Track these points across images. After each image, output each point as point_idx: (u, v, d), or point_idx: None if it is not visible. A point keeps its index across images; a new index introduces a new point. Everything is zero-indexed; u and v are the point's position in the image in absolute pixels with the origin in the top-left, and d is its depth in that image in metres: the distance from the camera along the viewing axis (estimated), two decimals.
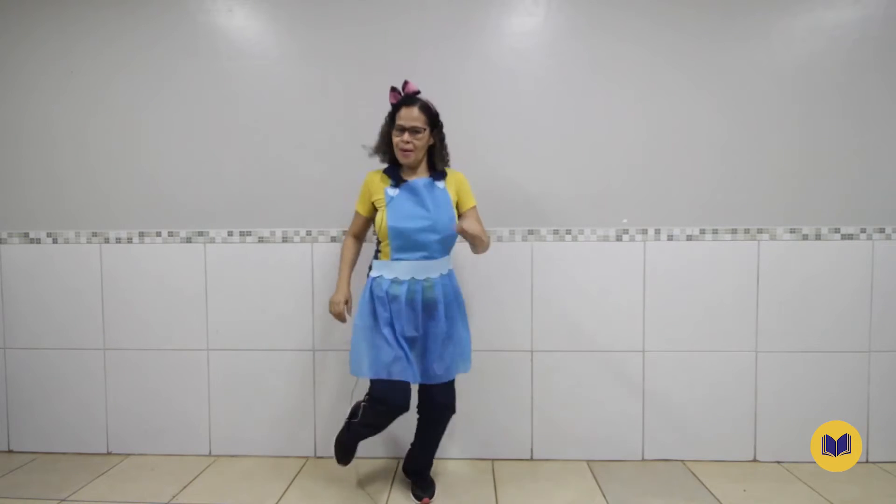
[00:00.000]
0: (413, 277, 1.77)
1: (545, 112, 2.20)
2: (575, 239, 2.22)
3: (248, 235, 2.27)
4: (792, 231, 2.19)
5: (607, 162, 2.20)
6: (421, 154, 1.81)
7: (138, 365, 2.30)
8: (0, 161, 2.31)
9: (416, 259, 1.77)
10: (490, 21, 2.20)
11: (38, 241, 2.31)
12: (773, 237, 2.19)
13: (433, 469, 2.04)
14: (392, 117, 1.80)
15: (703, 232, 2.20)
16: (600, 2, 2.18)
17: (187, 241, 2.28)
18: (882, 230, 2.18)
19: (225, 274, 2.28)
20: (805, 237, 2.19)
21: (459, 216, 1.85)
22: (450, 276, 1.86)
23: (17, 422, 2.36)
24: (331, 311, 1.87)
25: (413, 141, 1.75)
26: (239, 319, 2.28)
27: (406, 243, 1.77)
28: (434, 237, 1.77)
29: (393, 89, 1.80)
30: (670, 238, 2.21)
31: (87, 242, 2.30)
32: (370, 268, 1.86)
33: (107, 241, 2.30)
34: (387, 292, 1.76)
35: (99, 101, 2.27)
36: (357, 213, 1.90)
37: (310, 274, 2.26)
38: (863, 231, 2.18)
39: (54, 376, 2.33)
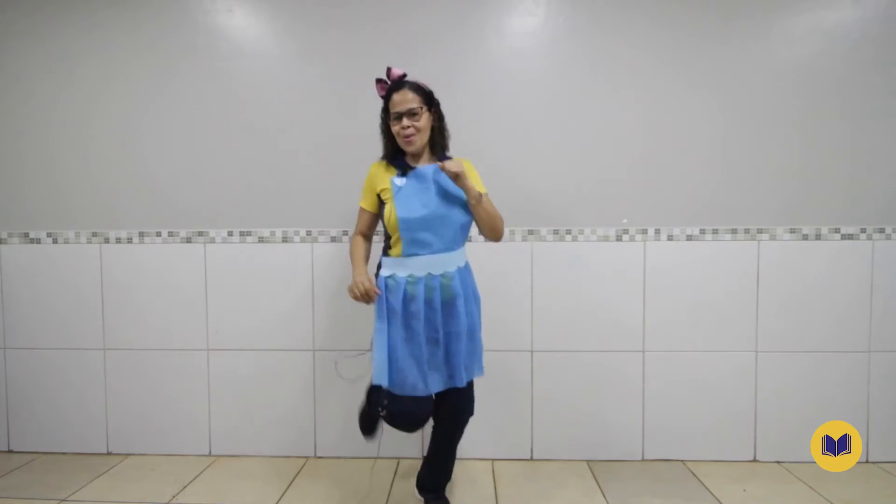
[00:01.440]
0: (430, 273, 1.64)
1: (545, 112, 2.20)
2: (575, 239, 2.22)
3: (248, 235, 2.27)
4: (792, 231, 2.19)
5: (607, 162, 2.20)
6: (425, 137, 1.70)
7: (138, 365, 2.30)
8: (0, 161, 2.31)
9: (431, 253, 1.64)
10: (490, 21, 2.20)
11: (38, 241, 2.31)
12: (773, 237, 2.19)
13: None
14: (386, 109, 1.71)
15: (703, 232, 2.20)
16: (600, 2, 2.18)
17: (187, 241, 2.28)
18: (882, 230, 2.18)
19: (225, 274, 2.28)
20: (805, 237, 2.19)
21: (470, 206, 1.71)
22: (467, 270, 1.74)
23: (17, 422, 2.36)
24: (355, 295, 1.64)
25: (413, 124, 1.65)
26: (239, 319, 2.28)
27: (418, 235, 1.63)
28: (448, 226, 1.66)
29: (379, 80, 1.72)
30: (670, 238, 2.21)
31: (87, 242, 2.30)
32: (379, 266, 1.74)
33: (107, 241, 2.30)
34: (405, 292, 1.63)
35: (99, 101, 2.27)
36: (362, 210, 1.78)
37: (310, 274, 2.26)
38: (863, 231, 2.18)
39: (54, 376, 2.33)
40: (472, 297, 1.73)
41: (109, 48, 2.26)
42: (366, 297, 1.64)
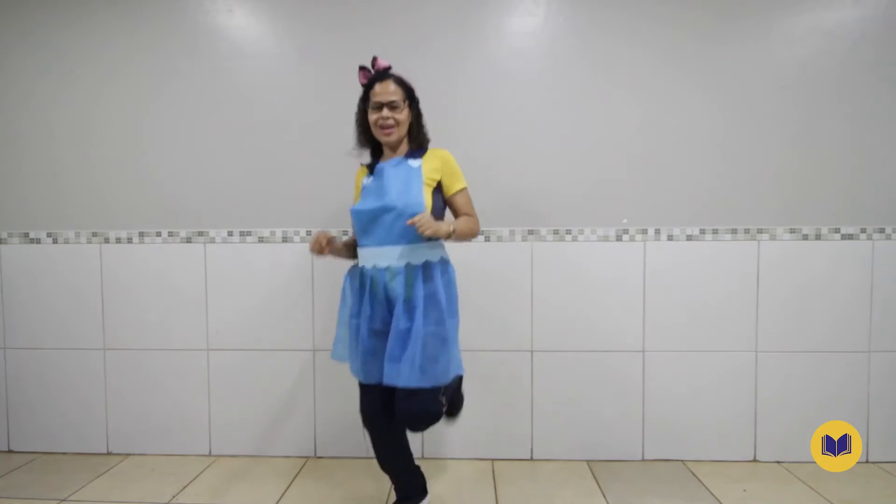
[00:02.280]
0: (375, 265, 1.63)
1: (545, 112, 2.20)
2: (575, 239, 2.22)
3: (248, 235, 2.27)
4: (792, 231, 2.19)
5: (607, 162, 2.20)
6: (403, 131, 1.67)
7: (138, 365, 2.30)
8: (0, 161, 2.31)
9: (375, 245, 1.62)
10: (490, 21, 2.20)
11: (38, 241, 2.31)
12: (773, 237, 2.19)
13: (430, 469, 2.00)
14: (365, 98, 1.68)
15: (703, 232, 2.20)
16: (600, 2, 2.18)
17: (187, 241, 2.28)
18: (882, 230, 2.18)
19: (225, 274, 2.28)
20: (805, 237, 2.19)
21: (445, 198, 1.69)
22: (426, 268, 1.61)
23: (17, 422, 2.36)
24: (310, 243, 1.65)
25: (393, 116, 1.63)
26: (239, 319, 2.28)
27: (363, 228, 1.64)
28: (391, 220, 1.59)
29: (362, 68, 1.69)
30: (670, 238, 2.21)
31: (87, 242, 2.30)
32: None
33: (107, 241, 2.30)
34: (360, 281, 1.66)
35: (99, 101, 2.27)
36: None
37: (310, 274, 2.26)
38: (863, 231, 2.18)
39: (55, 376, 2.33)
40: (427, 302, 1.57)
41: (109, 48, 2.26)
42: (316, 245, 1.63)
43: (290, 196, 2.26)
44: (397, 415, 1.59)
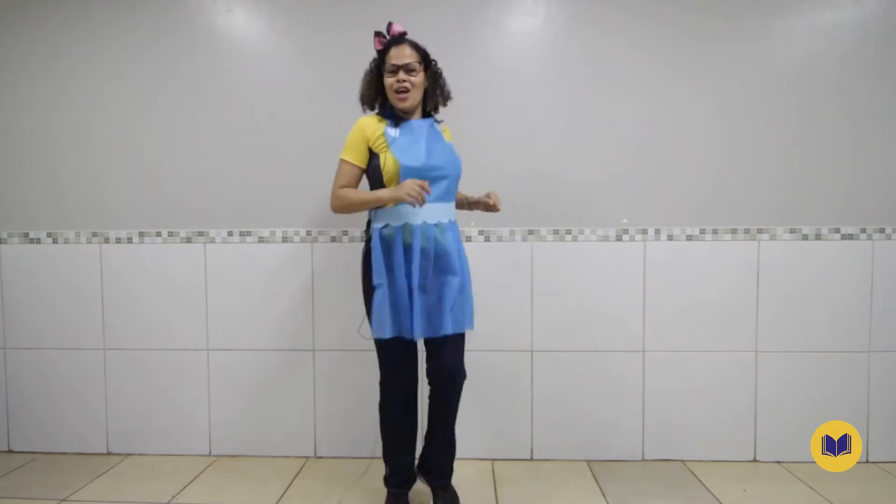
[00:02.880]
0: (424, 221, 1.63)
1: (545, 112, 2.20)
2: (575, 239, 2.22)
3: (248, 235, 2.27)
4: (792, 231, 2.19)
5: (607, 161, 2.20)
6: (418, 96, 1.69)
7: (138, 365, 2.30)
8: (0, 161, 2.31)
9: (428, 201, 1.61)
10: (490, 21, 2.20)
11: (38, 241, 2.31)
12: (773, 237, 2.19)
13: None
14: (380, 61, 1.70)
15: (703, 232, 2.20)
16: (600, 2, 2.18)
17: (187, 241, 2.28)
18: (882, 230, 2.18)
19: (225, 274, 2.28)
20: (805, 237, 2.19)
21: None
22: (456, 225, 1.75)
23: (17, 422, 2.36)
24: (412, 196, 1.53)
25: (409, 79, 1.65)
26: (239, 319, 2.28)
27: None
28: (445, 177, 1.67)
29: (377, 34, 1.71)
30: (670, 238, 2.21)
31: (87, 242, 2.30)
32: (369, 222, 1.74)
33: (107, 241, 2.30)
34: (401, 242, 1.63)
35: (99, 101, 2.27)
36: (345, 164, 1.70)
37: (310, 274, 2.26)
38: (863, 231, 2.18)
39: (54, 376, 2.33)
40: (462, 252, 1.73)
41: (109, 48, 2.26)
42: (422, 192, 1.55)
43: (290, 196, 2.25)
44: (443, 374, 1.71)
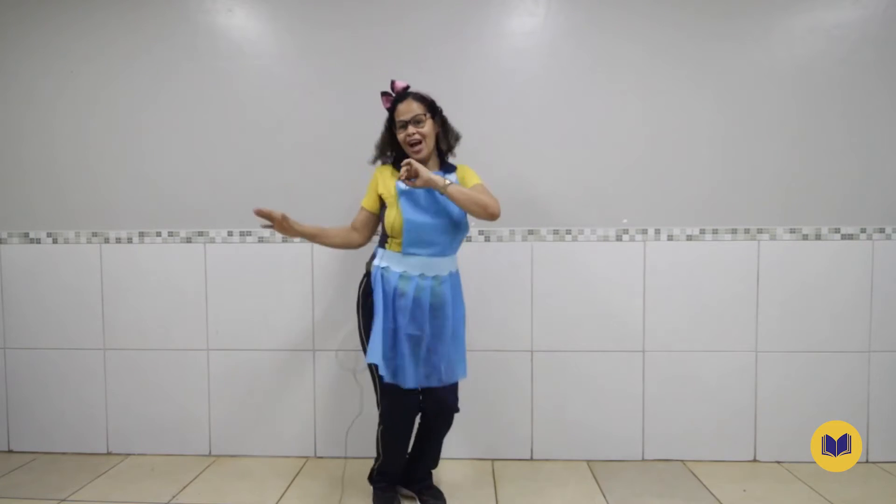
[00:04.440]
0: (423, 274, 1.72)
1: (545, 112, 2.20)
2: (575, 239, 2.22)
3: (248, 235, 2.27)
4: (792, 231, 2.19)
5: (607, 162, 2.20)
6: (431, 144, 1.77)
7: (138, 365, 2.30)
8: (0, 161, 2.31)
9: (428, 255, 1.72)
10: (490, 21, 2.20)
11: (38, 241, 2.31)
12: (773, 237, 2.19)
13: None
14: (391, 120, 1.80)
15: (703, 232, 2.20)
16: (600, 2, 2.18)
17: (187, 241, 2.28)
18: (882, 230, 2.18)
19: (225, 274, 2.28)
20: (805, 237, 2.19)
21: None
22: (457, 276, 1.83)
23: (17, 422, 2.36)
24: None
25: (418, 131, 1.73)
26: (239, 319, 2.28)
27: (419, 238, 1.71)
28: (447, 233, 1.74)
29: (384, 94, 1.81)
30: (670, 238, 2.21)
31: (87, 242, 2.30)
32: (373, 257, 1.79)
33: (107, 241, 2.30)
34: (395, 288, 1.70)
35: (99, 101, 2.27)
36: (361, 209, 1.84)
37: (310, 274, 2.26)
38: (863, 231, 2.18)
39: (54, 376, 2.33)
40: (459, 303, 1.81)
41: (109, 48, 2.26)
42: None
43: (290, 196, 2.25)
44: (440, 412, 1.82)
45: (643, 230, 2.21)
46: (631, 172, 2.20)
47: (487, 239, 2.23)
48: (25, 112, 2.29)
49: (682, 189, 2.20)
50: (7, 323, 2.33)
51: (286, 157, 2.25)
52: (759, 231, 2.19)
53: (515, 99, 2.20)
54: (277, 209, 2.24)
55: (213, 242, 2.28)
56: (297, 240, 2.25)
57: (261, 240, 2.27)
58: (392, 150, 1.83)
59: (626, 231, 2.21)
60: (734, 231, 2.20)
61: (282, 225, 1.69)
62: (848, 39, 2.14)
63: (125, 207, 2.29)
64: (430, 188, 1.68)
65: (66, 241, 2.31)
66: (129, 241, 2.29)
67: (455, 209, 1.74)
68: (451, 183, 1.66)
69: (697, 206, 2.20)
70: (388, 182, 1.78)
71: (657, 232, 2.21)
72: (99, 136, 2.28)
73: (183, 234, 2.28)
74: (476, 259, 2.19)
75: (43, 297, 2.31)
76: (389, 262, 1.74)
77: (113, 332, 2.31)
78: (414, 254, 1.71)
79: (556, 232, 2.22)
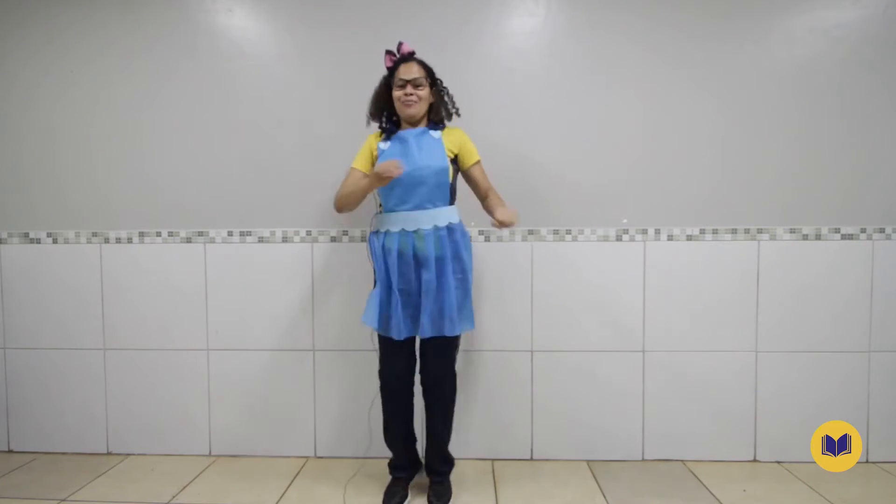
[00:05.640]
0: (403, 229, 1.77)
1: (545, 112, 2.20)
2: (575, 239, 2.22)
3: (248, 235, 2.27)
4: (792, 231, 2.19)
5: (607, 162, 2.20)
6: (424, 107, 1.83)
7: (138, 365, 2.30)
8: (0, 161, 2.31)
9: (406, 210, 1.77)
10: (490, 21, 2.20)
11: (38, 241, 2.31)
12: (773, 237, 2.19)
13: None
14: (389, 77, 1.84)
15: (703, 232, 2.20)
16: (600, 2, 2.18)
17: (187, 241, 2.28)
18: (882, 230, 2.18)
19: (225, 274, 2.28)
20: (805, 237, 2.19)
21: (462, 171, 1.89)
22: (450, 230, 1.79)
23: (17, 422, 2.36)
24: (384, 175, 1.67)
25: (416, 92, 1.78)
26: (239, 319, 2.28)
27: (393, 193, 1.77)
28: (421, 185, 1.76)
29: (388, 52, 1.85)
30: (670, 238, 2.21)
31: (87, 242, 2.30)
32: (371, 223, 1.91)
33: (107, 241, 2.30)
34: (383, 246, 1.79)
35: (99, 101, 2.27)
36: (352, 169, 1.87)
37: (310, 274, 2.26)
38: (863, 231, 2.18)
39: (54, 376, 2.32)
40: (453, 258, 1.79)
41: (109, 48, 2.26)
42: (390, 169, 1.68)
43: (290, 196, 2.25)
44: (428, 377, 1.85)
45: (643, 230, 2.21)
46: (631, 172, 2.20)
47: (487, 239, 2.23)
48: (25, 112, 2.29)
49: (682, 189, 2.20)
50: (7, 323, 2.33)
51: (286, 157, 2.25)
52: (759, 231, 2.19)
53: (515, 99, 2.20)
54: (277, 209, 2.27)
55: (213, 242, 2.28)
56: (296, 239, 2.26)
57: (261, 240, 2.27)
58: (385, 106, 1.87)
59: (626, 231, 2.21)
60: (734, 231, 2.20)
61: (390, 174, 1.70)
62: (848, 39, 2.14)
63: (125, 207, 2.29)
64: (405, 143, 1.79)
65: (66, 241, 2.31)
66: (129, 241, 2.29)
67: (430, 164, 1.77)
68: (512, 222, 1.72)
69: (697, 206, 2.20)
70: (373, 144, 1.87)
71: (657, 232, 2.21)
72: (99, 136, 2.28)
73: (183, 234, 2.28)
74: (476, 259, 2.18)
75: (43, 297, 2.31)
76: (379, 224, 1.85)
77: (113, 332, 2.31)
78: (393, 210, 1.79)
79: (556, 232, 2.22)
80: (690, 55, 2.17)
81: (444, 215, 1.80)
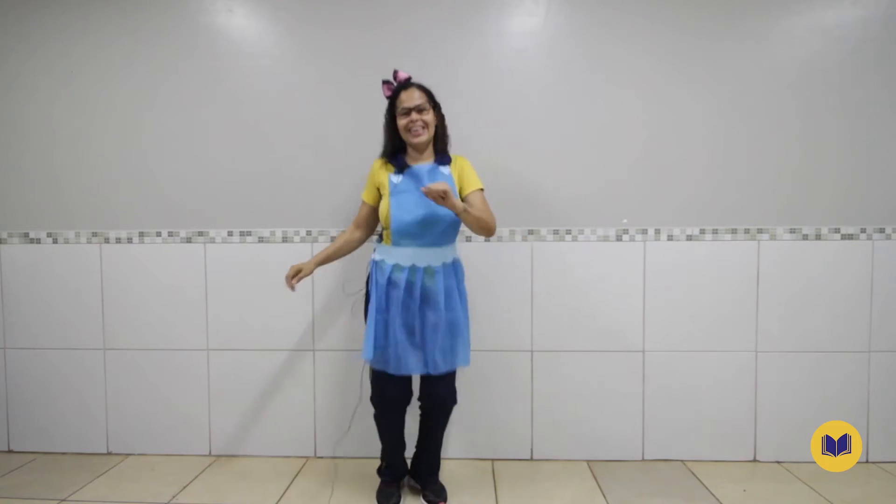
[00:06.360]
0: (414, 265, 1.75)
1: (545, 112, 2.20)
2: (575, 239, 2.22)
3: (248, 235, 2.27)
4: (792, 231, 2.19)
5: (607, 162, 2.20)
6: (431, 132, 1.80)
7: (138, 365, 2.30)
8: (0, 161, 2.31)
9: (418, 246, 1.76)
10: (490, 21, 2.20)
11: (38, 241, 2.31)
12: (773, 237, 2.19)
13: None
14: (392, 107, 1.82)
15: (703, 232, 2.20)
16: (600, 2, 2.17)
17: (187, 241, 2.28)
18: (882, 230, 2.18)
19: (225, 274, 2.28)
20: (805, 237, 2.19)
21: (461, 198, 1.81)
22: (454, 266, 1.82)
23: (17, 422, 2.36)
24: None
25: (421, 118, 1.76)
26: (239, 319, 2.28)
27: (408, 231, 1.75)
28: (437, 225, 1.75)
29: (385, 82, 1.84)
30: (670, 238, 2.21)
31: (87, 242, 2.30)
32: (374, 252, 1.86)
33: (107, 241, 2.30)
34: (388, 278, 1.75)
35: (99, 101, 2.27)
36: (362, 202, 1.89)
37: (310, 274, 2.25)
38: (863, 231, 2.18)
39: (54, 376, 2.33)
40: (456, 293, 1.80)
41: (109, 48, 2.26)
42: (287, 280, 1.82)
43: (289, 196, 2.25)
44: (434, 404, 1.85)
45: (643, 230, 2.21)
46: (631, 172, 2.20)
47: (487, 239, 2.23)
48: (25, 112, 2.29)
49: (682, 189, 2.20)
50: (7, 323, 2.33)
51: (286, 157, 2.25)
52: (759, 231, 2.19)
53: (515, 99, 2.20)
54: (277, 209, 2.26)
55: (213, 243, 2.28)
56: (296, 239, 2.26)
57: (261, 240, 2.27)
58: (392, 137, 1.84)
59: (626, 231, 2.21)
60: (734, 231, 2.20)
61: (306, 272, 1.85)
62: (848, 39, 2.14)
63: (125, 207, 2.29)
64: (419, 181, 1.75)
65: (66, 241, 2.31)
66: (129, 241, 2.29)
67: (446, 210, 1.73)
68: (467, 209, 1.69)
69: (697, 206, 2.20)
70: (381, 175, 1.83)
71: (657, 232, 2.21)
72: (99, 136, 2.28)
73: (183, 234, 2.28)
74: (476, 259, 2.19)
75: (43, 297, 2.31)
76: (384, 254, 1.80)
77: (113, 332, 2.31)
78: (404, 245, 1.76)
79: (556, 232, 2.22)
80: (690, 55, 2.17)
81: (451, 251, 1.83)
